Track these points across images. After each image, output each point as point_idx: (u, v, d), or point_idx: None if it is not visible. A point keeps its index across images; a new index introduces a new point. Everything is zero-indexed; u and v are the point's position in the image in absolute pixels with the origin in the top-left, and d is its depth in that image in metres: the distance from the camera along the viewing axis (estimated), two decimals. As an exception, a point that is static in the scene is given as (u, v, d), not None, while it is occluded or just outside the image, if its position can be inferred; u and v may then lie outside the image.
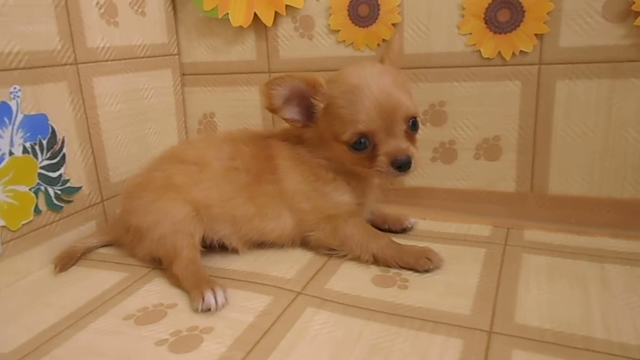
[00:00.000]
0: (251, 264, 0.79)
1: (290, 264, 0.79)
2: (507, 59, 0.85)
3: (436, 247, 0.80)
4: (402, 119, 0.73)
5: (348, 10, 0.93)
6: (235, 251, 0.82)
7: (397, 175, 0.74)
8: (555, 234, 0.84)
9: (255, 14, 0.99)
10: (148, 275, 0.78)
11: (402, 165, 0.72)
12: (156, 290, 0.73)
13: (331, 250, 0.80)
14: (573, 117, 0.84)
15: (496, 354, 0.55)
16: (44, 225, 0.83)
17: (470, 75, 0.88)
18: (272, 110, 0.76)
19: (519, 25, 0.83)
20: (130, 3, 0.98)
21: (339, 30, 0.95)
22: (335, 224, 0.79)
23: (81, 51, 0.88)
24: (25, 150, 0.79)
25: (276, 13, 0.98)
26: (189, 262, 0.72)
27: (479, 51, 0.86)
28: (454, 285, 0.70)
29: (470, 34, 0.86)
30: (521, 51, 0.83)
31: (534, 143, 0.87)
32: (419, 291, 0.69)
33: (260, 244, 0.83)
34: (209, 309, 0.65)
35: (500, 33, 0.84)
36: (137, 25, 1.00)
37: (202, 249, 0.78)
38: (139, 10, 1.00)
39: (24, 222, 0.80)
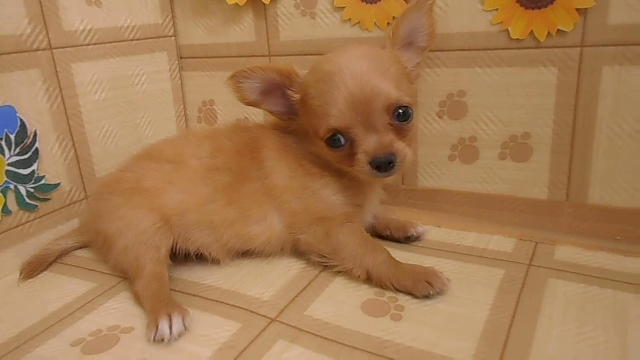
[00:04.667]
0: (229, 278, 0.70)
1: (272, 280, 0.69)
2: (542, 40, 0.69)
3: (446, 264, 0.70)
4: (382, 110, 0.62)
5: (354, -16, 0.80)
6: (216, 262, 0.73)
7: (379, 176, 0.63)
8: (595, 253, 0.70)
9: (252, -10, 0.88)
10: (116, 288, 0.70)
11: (381, 165, 0.61)
12: (118, 309, 0.65)
13: (322, 258, 0.70)
14: (623, 112, 0.68)
15: None
16: (16, 227, 0.77)
17: (496, 60, 0.73)
18: (247, 103, 0.69)
19: (557, -1, 0.67)
20: (115, -21, 0.89)
21: (344, 8, 0.82)
22: (328, 228, 0.69)
23: (57, 35, 0.80)
24: (-11, 147, 0.72)
25: (275, -12, 0.87)
26: (152, 278, 0.64)
27: (507, 31, 0.71)
28: (457, 319, 0.58)
29: (497, 10, 0.71)
30: (559, 30, 0.68)
31: (573, 142, 0.72)
32: (414, 324, 0.58)
33: (246, 253, 0.74)
34: (163, 340, 0.56)
35: (533, 8, 0.69)
36: (125, 5, 0.91)
37: (175, 262, 0.69)
38: (126, -13, 0.91)
39: (-9, 224, 0.74)
